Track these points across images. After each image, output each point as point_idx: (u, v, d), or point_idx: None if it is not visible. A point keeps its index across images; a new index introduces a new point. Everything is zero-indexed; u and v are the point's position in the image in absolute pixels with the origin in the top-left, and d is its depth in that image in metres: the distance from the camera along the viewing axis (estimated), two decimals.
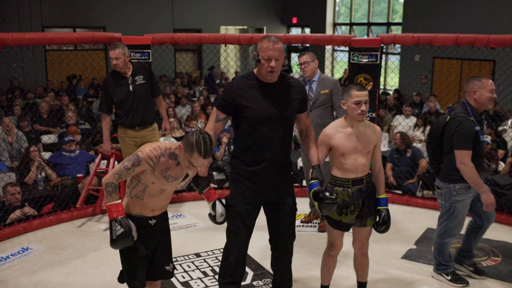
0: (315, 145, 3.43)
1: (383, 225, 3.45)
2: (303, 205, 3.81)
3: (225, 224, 3.40)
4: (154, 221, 3.04)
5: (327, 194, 3.20)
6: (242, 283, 4.03)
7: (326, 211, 3.24)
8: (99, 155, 5.51)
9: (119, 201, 2.91)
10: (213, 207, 3.30)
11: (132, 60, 5.49)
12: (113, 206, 2.88)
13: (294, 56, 18.79)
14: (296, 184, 6.33)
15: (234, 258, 3.44)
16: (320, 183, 3.31)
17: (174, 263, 4.36)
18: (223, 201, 3.39)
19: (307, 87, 4.98)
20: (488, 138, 7.04)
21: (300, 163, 7.14)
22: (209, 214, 3.36)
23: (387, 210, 3.47)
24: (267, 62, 3.13)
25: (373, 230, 3.55)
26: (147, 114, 5.19)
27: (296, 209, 3.52)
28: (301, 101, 3.35)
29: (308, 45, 6.08)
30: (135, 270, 3.01)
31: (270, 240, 3.53)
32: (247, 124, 3.25)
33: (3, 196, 5.22)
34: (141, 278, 3.02)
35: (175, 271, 4.25)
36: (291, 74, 4.95)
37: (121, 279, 3.13)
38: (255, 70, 3.27)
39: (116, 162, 5.38)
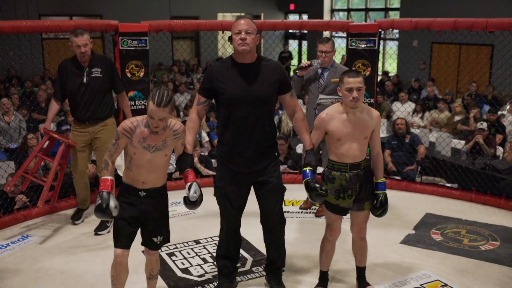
0: (307, 128, 3.47)
1: (380, 208, 3.48)
2: (302, 192, 3.82)
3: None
4: (143, 193, 3.20)
5: (317, 185, 3.30)
6: (242, 269, 4.09)
7: (318, 200, 3.37)
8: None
9: (108, 177, 3.12)
10: (189, 188, 3.28)
11: (124, 48, 5.45)
12: (101, 181, 3.13)
13: (292, 42, 18.70)
14: (295, 171, 6.35)
15: (224, 234, 3.65)
16: (313, 170, 3.37)
17: (174, 250, 4.41)
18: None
19: (319, 74, 4.97)
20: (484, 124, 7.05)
21: (299, 149, 7.16)
22: (184, 198, 3.32)
23: (385, 194, 3.49)
24: (237, 36, 3.26)
25: (371, 214, 3.57)
26: (99, 110, 4.81)
27: (282, 189, 3.56)
28: (281, 82, 3.40)
29: (305, 31, 6.05)
30: (118, 231, 3.21)
31: (260, 219, 3.64)
32: (223, 105, 3.38)
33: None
34: (122, 239, 3.20)
35: (175, 258, 4.29)
36: (309, 62, 4.86)
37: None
38: (233, 54, 3.40)
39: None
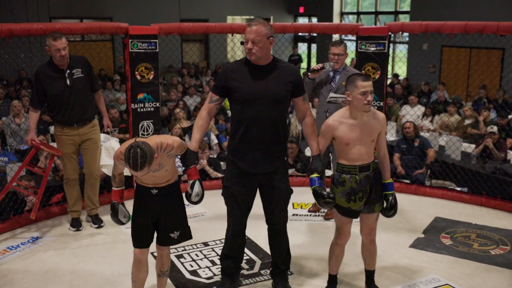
0: (315, 134, 3.49)
1: (391, 209, 3.48)
2: (310, 195, 3.80)
3: None
4: (156, 191, 3.27)
5: (325, 193, 3.35)
6: (250, 272, 4.10)
7: (326, 207, 3.44)
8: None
9: (117, 188, 3.30)
10: (192, 185, 3.38)
11: (134, 51, 5.47)
12: (112, 192, 3.33)
13: (301, 45, 18.69)
14: (304, 174, 6.34)
15: (230, 234, 3.68)
16: (320, 176, 3.42)
17: (182, 252, 4.41)
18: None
19: (330, 77, 4.95)
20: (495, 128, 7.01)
21: (308, 152, 7.14)
22: (186, 192, 3.42)
23: (394, 194, 3.49)
24: (245, 44, 3.31)
25: (380, 217, 3.56)
26: (86, 111, 4.82)
27: (290, 193, 3.61)
28: (294, 84, 3.42)
29: (315, 34, 6.05)
30: (135, 233, 3.34)
31: (266, 222, 3.67)
32: (236, 103, 3.40)
33: (16, 187, 5.26)
34: (139, 240, 3.33)
35: (183, 260, 4.30)
36: (321, 64, 4.86)
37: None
38: None
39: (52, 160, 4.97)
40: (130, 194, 5.12)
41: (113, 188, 3.33)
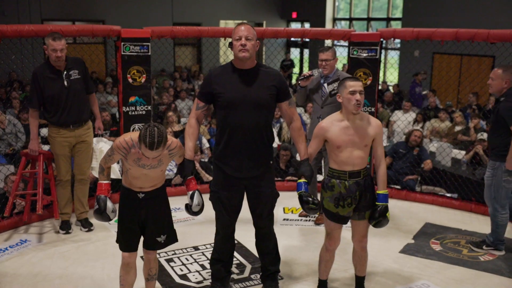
0: (303, 138, 3.50)
1: (375, 219, 3.43)
2: None
3: None
4: (142, 195, 3.26)
5: (310, 199, 3.37)
6: (240, 276, 4.09)
7: (310, 213, 3.45)
8: (22, 158, 4.97)
9: (105, 181, 3.26)
10: (191, 196, 3.40)
11: (126, 54, 5.47)
12: (98, 185, 3.27)
13: (294, 51, 18.73)
14: (295, 178, 6.34)
15: (219, 238, 3.68)
16: (307, 181, 3.44)
17: (172, 256, 4.40)
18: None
19: (321, 83, 4.96)
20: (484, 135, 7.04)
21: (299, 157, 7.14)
22: (186, 205, 3.44)
23: (384, 206, 3.43)
24: (237, 41, 3.29)
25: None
26: (83, 112, 4.83)
27: (276, 197, 3.62)
28: (278, 89, 3.43)
29: (307, 39, 6.07)
30: (122, 236, 3.33)
31: (253, 225, 3.69)
32: (220, 108, 3.41)
33: (5, 186, 5.26)
34: (126, 242, 3.32)
35: (173, 264, 4.28)
36: (310, 71, 4.92)
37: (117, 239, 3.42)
38: (233, 60, 3.44)
39: (51, 163, 5.05)
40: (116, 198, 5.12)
41: (101, 181, 3.26)
